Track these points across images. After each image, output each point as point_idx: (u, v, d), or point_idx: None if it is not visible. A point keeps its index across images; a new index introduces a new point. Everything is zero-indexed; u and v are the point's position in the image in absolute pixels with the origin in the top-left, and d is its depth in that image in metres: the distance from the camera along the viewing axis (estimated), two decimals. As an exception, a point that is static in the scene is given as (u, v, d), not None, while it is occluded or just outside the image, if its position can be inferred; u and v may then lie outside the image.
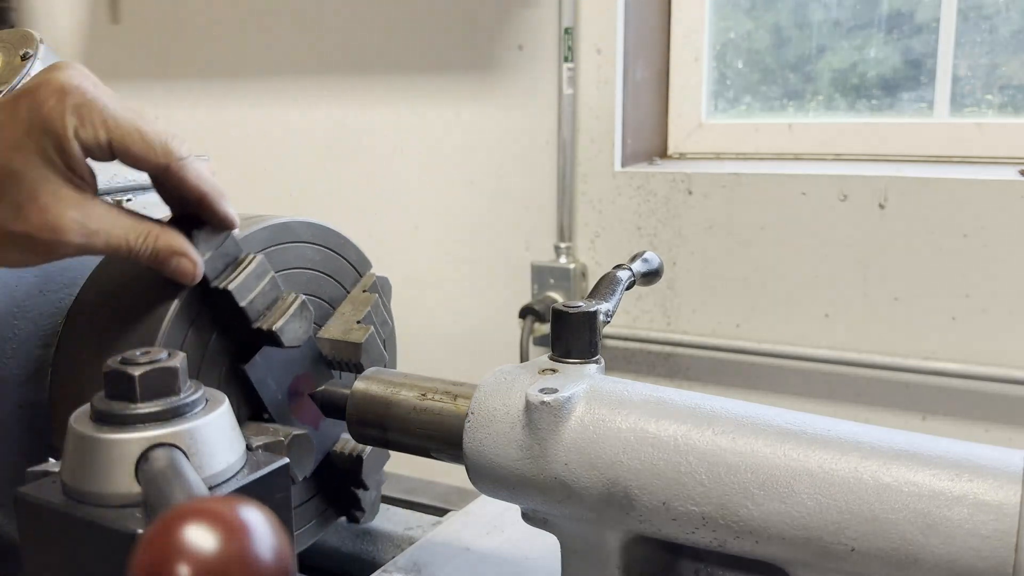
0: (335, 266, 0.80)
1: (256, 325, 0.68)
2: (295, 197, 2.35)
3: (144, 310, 0.67)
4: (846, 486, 0.51)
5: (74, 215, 0.59)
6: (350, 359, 0.76)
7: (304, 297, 0.70)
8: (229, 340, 0.71)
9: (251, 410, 0.73)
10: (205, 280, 0.66)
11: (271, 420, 0.73)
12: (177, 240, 0.63)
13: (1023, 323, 1.66)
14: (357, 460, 0.80)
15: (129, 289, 0.69)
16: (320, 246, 0.79)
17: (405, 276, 2.18)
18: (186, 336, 0.67)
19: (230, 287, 0.66)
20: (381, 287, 0.82)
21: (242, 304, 0.66)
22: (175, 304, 0.66)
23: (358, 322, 0.78)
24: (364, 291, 0.82)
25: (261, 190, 2.36)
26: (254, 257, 0.68)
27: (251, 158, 2.37)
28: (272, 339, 0.68)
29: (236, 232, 0.68)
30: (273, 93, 2.31)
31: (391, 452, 0.79)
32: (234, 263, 0.68)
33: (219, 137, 2.39)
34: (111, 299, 0.70)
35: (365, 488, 0.81)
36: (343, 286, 0.82)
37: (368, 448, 0.80)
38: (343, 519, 0.86)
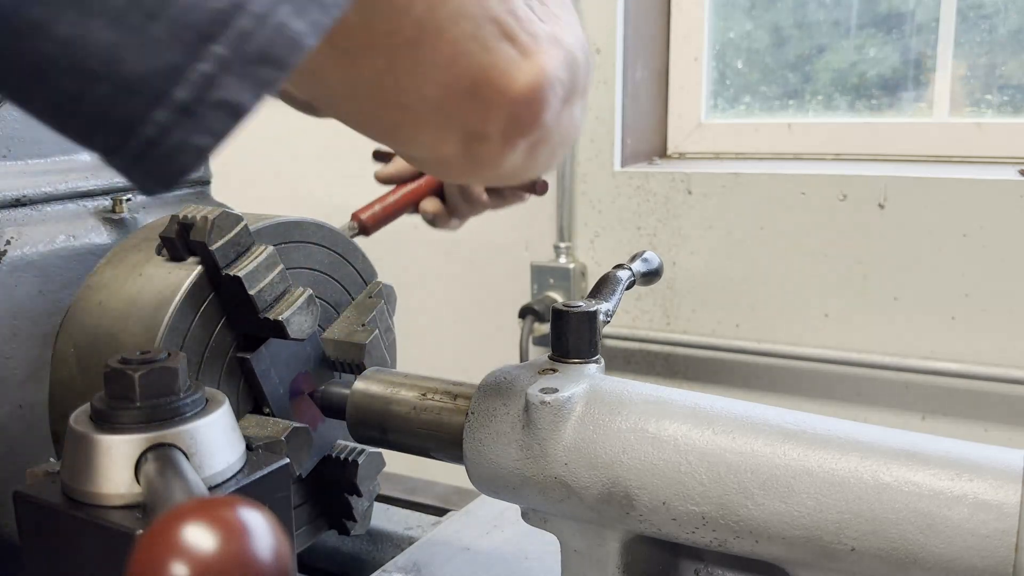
0: (342, 271, 0.81)
1: (263, 315, 0.68)
2: (294, 197, 2.35)
3: (150, 296, 0.67)
4: (846, 486, 0.51)
5: None
6: (353, 360, 0.76)
7: (312, 292, 0.71)
8: (234, 331, 0.71)
9: (252, 404, 0.73)
10: (215, 267, 0.67)
11: (271, 415, 0.73)
12: None
13: (1023, 323, 1.66)
14: (353, 464, 0.79)
15: (132, 280, 0.69)
16: (329, 249, 0.79)
17: (404, 276, 2.17)
18: (191, 324, 0.67)
19: (240, 274, 0.66)
20: (386, 295, 0.82)
21: (251, 292, 0.67)
22: (182, 290, 0.66)
23: (363, 324, 0.78)
24: (370, 297, 0.82)
25: (260, 190, 2.35)
26: (265, 248, 0.69)
27: (251, 158, 2.36)
28: (278, 330, 0.68)
29: (248, 224, 0.69)
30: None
31: (391, 452, 0.79)
32: (245, 253, 0.68)
33: (219, 137, 2.39)
34: (112, 298, 0.70)
35: (359, 494, 0.81)
36: (348, 292, 0.82)
37: (364, 453, 0.80)
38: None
